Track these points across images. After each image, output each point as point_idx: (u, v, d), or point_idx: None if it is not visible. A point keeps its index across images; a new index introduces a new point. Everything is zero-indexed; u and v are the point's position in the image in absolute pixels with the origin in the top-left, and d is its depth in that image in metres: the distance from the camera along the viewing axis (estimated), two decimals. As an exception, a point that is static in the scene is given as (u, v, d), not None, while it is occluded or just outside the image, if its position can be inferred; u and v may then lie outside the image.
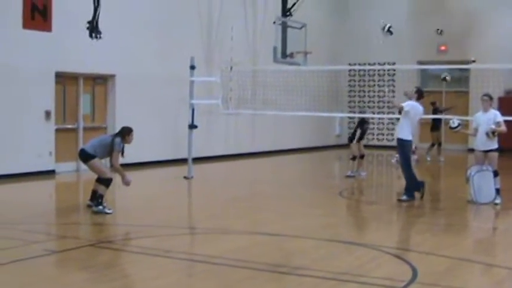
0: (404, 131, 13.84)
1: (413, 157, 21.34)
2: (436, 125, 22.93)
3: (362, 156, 18.53)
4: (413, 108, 13.86)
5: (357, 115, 19.63)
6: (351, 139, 18.61)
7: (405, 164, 13.99)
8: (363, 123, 18.59)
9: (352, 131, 18.88)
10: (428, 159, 22.68)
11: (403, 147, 13.95)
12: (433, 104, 23.07)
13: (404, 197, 13.82)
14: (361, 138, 18.51)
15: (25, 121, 17.04)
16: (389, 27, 13.33)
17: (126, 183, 12.37)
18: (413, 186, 13.93)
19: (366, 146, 19.60)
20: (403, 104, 13.87)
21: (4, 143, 16.58)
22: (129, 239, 10.39)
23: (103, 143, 12.35)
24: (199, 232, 11.16)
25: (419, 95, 14.18)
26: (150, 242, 9.89)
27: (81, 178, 17.54)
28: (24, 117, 17.03)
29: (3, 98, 16.58)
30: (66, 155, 18.17)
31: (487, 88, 16.96)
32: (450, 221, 12.48)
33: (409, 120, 13.80)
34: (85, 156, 12.20)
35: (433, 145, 23.28)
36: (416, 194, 13.96)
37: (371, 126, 27.17)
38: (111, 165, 12.61)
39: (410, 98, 14.23)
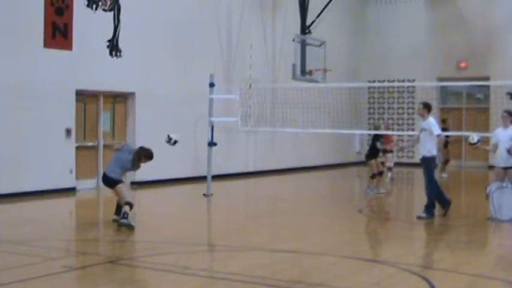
0: (428, 148, 13.78)
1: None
2: (447, 142, 22.88)
3: (380, 173, 18.46)
4: (437, 125, 13.90)
5: (377, 132, 19.57)
6: (367, 157, 18.55)
7: (430, 181, 13.91)
8: (377, 138, 18.51)
9: (368, 148, 18.85)
10: (445, 176, 22.62)
11: (427, 164, 13.88)
12: (443, 121, 23.03)
13: (423, 215, 13.74)
14: (377, 155, 18.43)
15: (46, 139, 17.17)
16: (174, 141, 13.52)
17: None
18: (434, 204, 13.85)
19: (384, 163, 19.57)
20: (436, 133, 13.78)
21: (25, 161, 16.71)
22: (148, 255, 10.40)
23: (119, 159, 12.59)
24: (218, 249, 11.17)
25: (429, 109, 14.12)
26: (170, 258, 9.92)
27: (101, 195, 17.62)
28: (45, 135, 17.16)
29: (25, 116, 16.73)
30: (87, 173, 18.30)
31: (507, 104, 16.86)
32: (470, 237, 12.41)
33: (430, 136, 13.76)
34: (110, 182, 12.41)
35: (447, 161, 23.23)
36: (439, 211, 13.90)
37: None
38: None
39: (422, 115, 14.08)
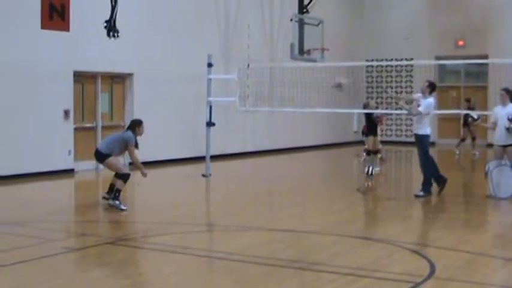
0: (423, 127, 13.78)
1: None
2: (467, 120, 22.82)
3: (376, 152, 18.29)
4: (430, 106, 13.82)
5: (375, 111, 19.54)
6: (368, 133, 18.37)
7: (424, 159, 13.92)
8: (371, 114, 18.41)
9: (366, 124, 18.75)
10: (457, 152, 22.83)
11: (422, 142, 13.88)
12: (467, 100, 23.09)
13: (421, 193, 13.75)
14: (376, 131, 18.26)
15: (44, 120, 17.15)
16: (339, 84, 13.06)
17: (144, 175, 12.45)
18: (430, 182, 13.85)
19: (383, 142, 19.48)
20: (420, 109, 13.70)
21: (23, 143, 16.69)
22: (147, 236, 10.44)
23: (116, 139, 12.58)
24: (217, 229, 11.20)
25: (432, 88, 14.08)
26: (169, 239, 9.95)
27: (100, 176, 17.62)
28: (43, 117, 17.13)
29: (23, 98, 16.70)
30: (85, 154, 18.23)
31: (505, 82, 16.81)
32: (468, 215, 12.45)
33: (427, 116, 13.76)
34: (100, 157, 12.35)
35: (462, 140, 23.25)
36: (435, 189, 13.92)
37: (389, 122, 27.15)
38: (132, 161, 12.74)
39: (423, 93, 14.06)
